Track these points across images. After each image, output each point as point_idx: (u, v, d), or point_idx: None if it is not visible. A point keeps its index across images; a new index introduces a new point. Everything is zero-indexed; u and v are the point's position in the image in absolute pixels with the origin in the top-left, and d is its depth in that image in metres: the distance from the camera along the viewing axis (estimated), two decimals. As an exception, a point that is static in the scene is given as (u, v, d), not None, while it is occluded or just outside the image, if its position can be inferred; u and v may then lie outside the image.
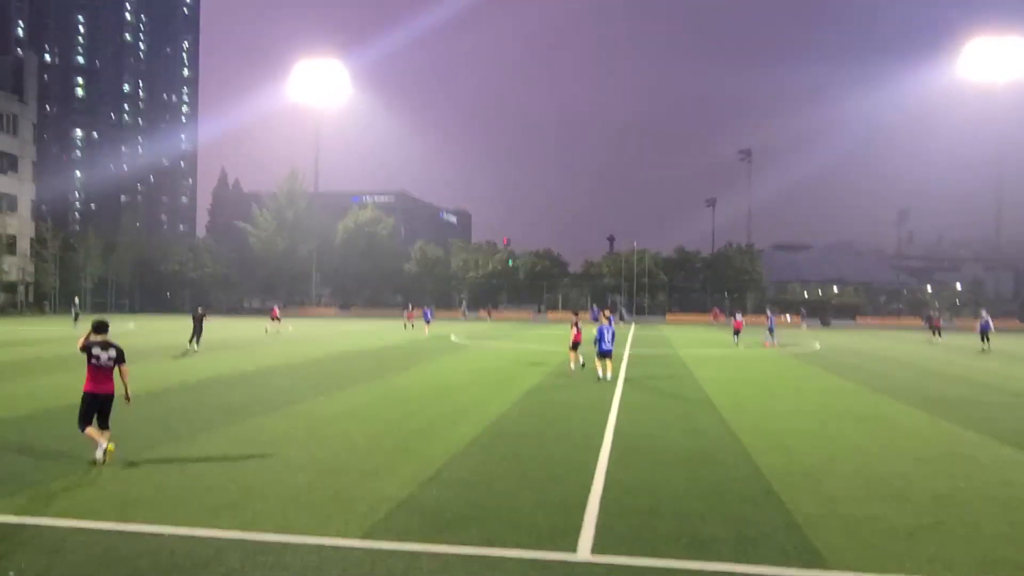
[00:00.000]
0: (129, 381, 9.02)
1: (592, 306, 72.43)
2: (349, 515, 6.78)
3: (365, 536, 6.22)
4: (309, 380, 17.52)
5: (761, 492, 7.82)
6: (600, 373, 17.75)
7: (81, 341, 8.94)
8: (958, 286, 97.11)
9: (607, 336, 17.63)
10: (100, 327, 8.95)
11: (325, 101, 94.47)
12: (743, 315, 41.56)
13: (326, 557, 5.73)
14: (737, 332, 34.36)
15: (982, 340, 34.13)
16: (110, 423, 8.96)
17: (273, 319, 42.74)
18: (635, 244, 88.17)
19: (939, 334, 42.95)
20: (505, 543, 6.09)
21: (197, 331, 26.40)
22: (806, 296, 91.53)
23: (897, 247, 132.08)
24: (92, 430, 8.67)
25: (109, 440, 8.68)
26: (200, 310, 27.48)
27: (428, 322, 45.84)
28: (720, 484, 8.13)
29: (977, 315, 39.85)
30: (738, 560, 5.80)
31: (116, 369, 8.89)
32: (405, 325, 49.47)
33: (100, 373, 8.81)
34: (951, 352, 32.26)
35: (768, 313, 38.21)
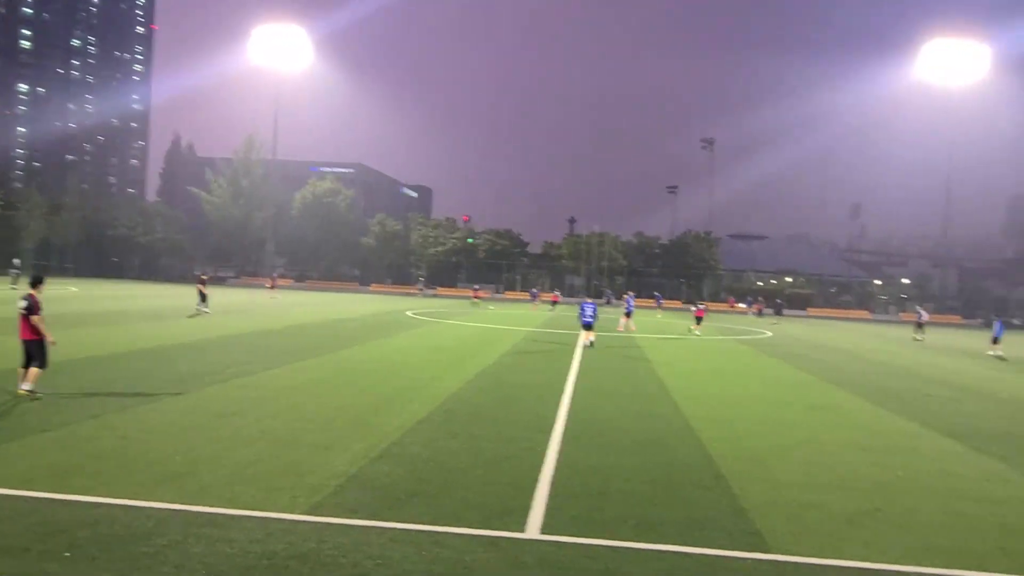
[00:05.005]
0: (45, 330, 10.19)
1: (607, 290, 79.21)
2: (298, 489, 6.68)
3: (312, 510, 6.14)
4: (263, 351, 17.24)
5: (711, 477, 7.93)
6: (584, 341, 21.92)
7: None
8: (905, 281, 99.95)
9: (587, 311, 22.14)
10: (33, 281, 10.55)
11: (286, 67, 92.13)
12: (704, 303, 41.40)
13: (272, 531, 5.63)
14: (699, 320, 34.28)
15: (915, 329, 39.44)
16: (39, 363, 10.15)
17: (272, 287, 53.20)
18: (595, 227, 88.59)
19: (758, 314, 55.94)
20: (455, 520, 6.07)
21: (202, 295, 29.31)
22: (760, 285, 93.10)
23: (849, 241, 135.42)
24: (22, 370, 10.12)
25: (31, 379, 10.01)
26: (203, 276, 30.89)
27: (629, 314, 32.67)
28: (671, 469, 8.23)
29: (915, 310, 46.45)
30: (684, 542, 5.88)
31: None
32: (535, 305, 53.67)
33: (20, 322, 10.21)
34: (895, 344, 33.26)
35: (626, 296, 34.32)
